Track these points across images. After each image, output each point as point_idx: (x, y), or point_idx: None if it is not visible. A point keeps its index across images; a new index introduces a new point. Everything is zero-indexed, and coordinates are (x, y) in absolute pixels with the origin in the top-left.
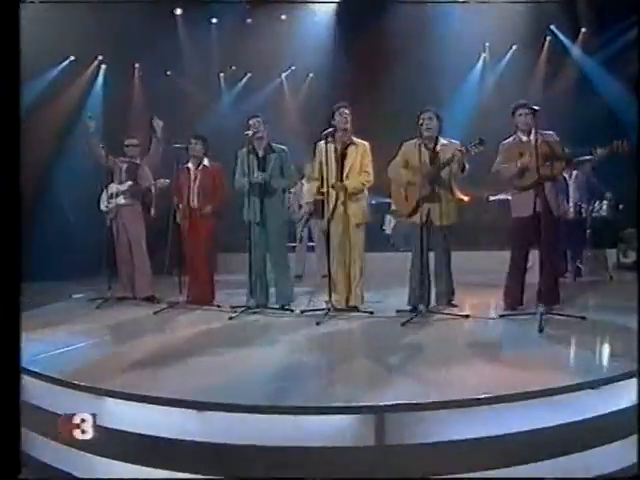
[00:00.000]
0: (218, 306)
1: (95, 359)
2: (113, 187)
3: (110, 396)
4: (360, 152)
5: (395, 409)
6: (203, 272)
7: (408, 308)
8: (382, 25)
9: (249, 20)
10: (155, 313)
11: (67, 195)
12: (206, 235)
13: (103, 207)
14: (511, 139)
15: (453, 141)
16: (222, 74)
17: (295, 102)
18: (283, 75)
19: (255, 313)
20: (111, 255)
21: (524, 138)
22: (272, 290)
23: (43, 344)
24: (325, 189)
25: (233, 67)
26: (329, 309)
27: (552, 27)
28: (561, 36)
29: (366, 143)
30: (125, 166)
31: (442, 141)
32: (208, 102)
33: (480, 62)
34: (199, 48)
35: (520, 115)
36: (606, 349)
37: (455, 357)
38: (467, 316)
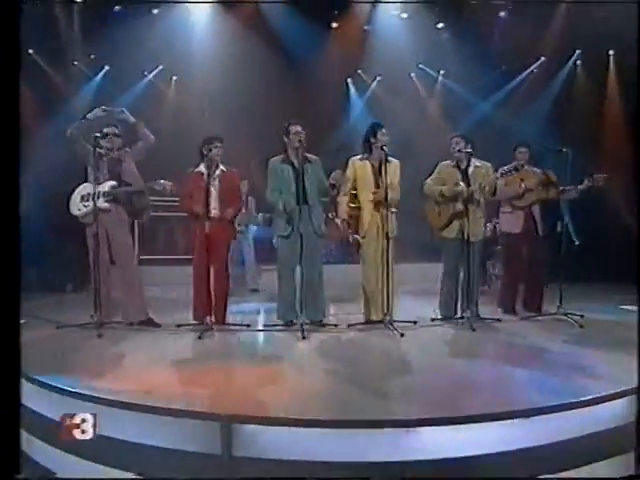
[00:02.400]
0: (248, 325)
1: None
2: (89, 186)
3: None
4: (394, 169)
5: None
6: (223, 287)
7: (439, 317)
8: (260, 33)
9: (117, 7)
10: (200, 337)
11: None
12: (226, 246)
13: (76, 211)
14: (512, 168)
15: (485, 163)
16: (77, 62)
17: (161, 106)
18: (150, 75)
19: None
20: (95, 271)
21: (525, 168)
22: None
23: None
24: (361, 204)
25: (92, 56)
26: (384, 322)
27: (421, 65)
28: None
29: (397, 161)
30: (105, 161)
31: (475, 163)
32: (61, 92)
33: (351, 88)
34: (58, 29)
35: (520, 152)
36: None
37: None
38: (499, 320)
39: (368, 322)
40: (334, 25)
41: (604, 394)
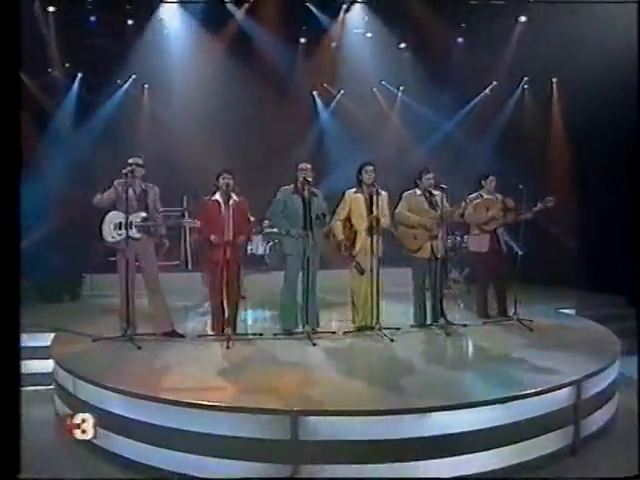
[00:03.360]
0: (260, 334)
1: None
2: (119, 215)
3: None
4: (383, 200)
5: None
6: (235, 301)
7: (415, 323)
8: (231, 46)
9: (92, 18)
10: (228, 347)
11: None
12: (238, 266)
13: (109, 239)
14: (478, 196)
15: (439, 192)
16: (50, 70)
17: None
18: (126, 85)
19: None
20: (127, 291)
21: (490, 197)
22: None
23: None
24: (357, 229)
25: (66, 65)
26: (374, 329)
27: (383, 82)
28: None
29: (385, 193)
30: (132, 192)
31: (434, 191)
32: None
33: (317, 100)
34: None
35: (491, 182)
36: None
37: None
38: (465, 325)
39: (361, 329)
40: (302, 40)
41: (551, 385)
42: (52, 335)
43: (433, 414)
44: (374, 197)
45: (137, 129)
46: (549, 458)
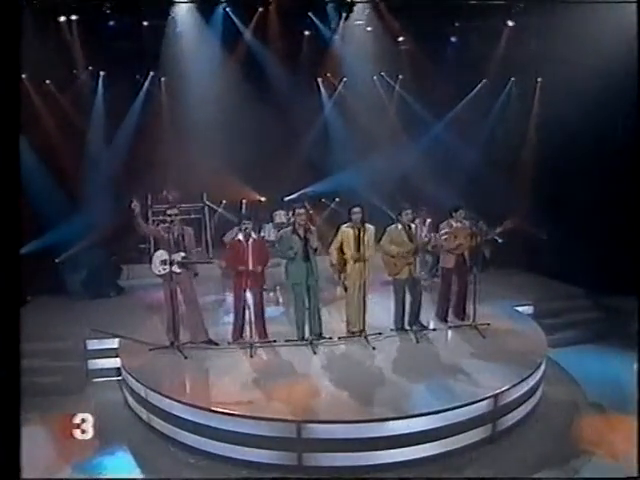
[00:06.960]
0: (274, 341)
1: None
2: (164, 254)
3: None
4: (369, 234)
5: None
6: (261, 314)
7: (393, 328)
8: (239, 40)
9: (111, 23)
10: (251, 356)
11: None
12: (261, 289)
13: (156, 272)
14: (448, 225)
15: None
16: (75, 71)
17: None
18: (146, 82)
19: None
20: (172, 311)
21: (458, 225)
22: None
23: None
24: (346, 257)
25: (90, 67)
26: (362, 336)
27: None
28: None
29: (372, 227)
30: (171, 236)
31: (411, 224)
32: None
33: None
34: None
35: (460, 214)
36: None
37: None
38: (434, 329)
39: (353, 335)
40: (307, 33)
41: (471, 400)
42: (111, 339)
43: (391, 422)
44: (361, 233)
45: (157, 125)
46: (471, 446)
